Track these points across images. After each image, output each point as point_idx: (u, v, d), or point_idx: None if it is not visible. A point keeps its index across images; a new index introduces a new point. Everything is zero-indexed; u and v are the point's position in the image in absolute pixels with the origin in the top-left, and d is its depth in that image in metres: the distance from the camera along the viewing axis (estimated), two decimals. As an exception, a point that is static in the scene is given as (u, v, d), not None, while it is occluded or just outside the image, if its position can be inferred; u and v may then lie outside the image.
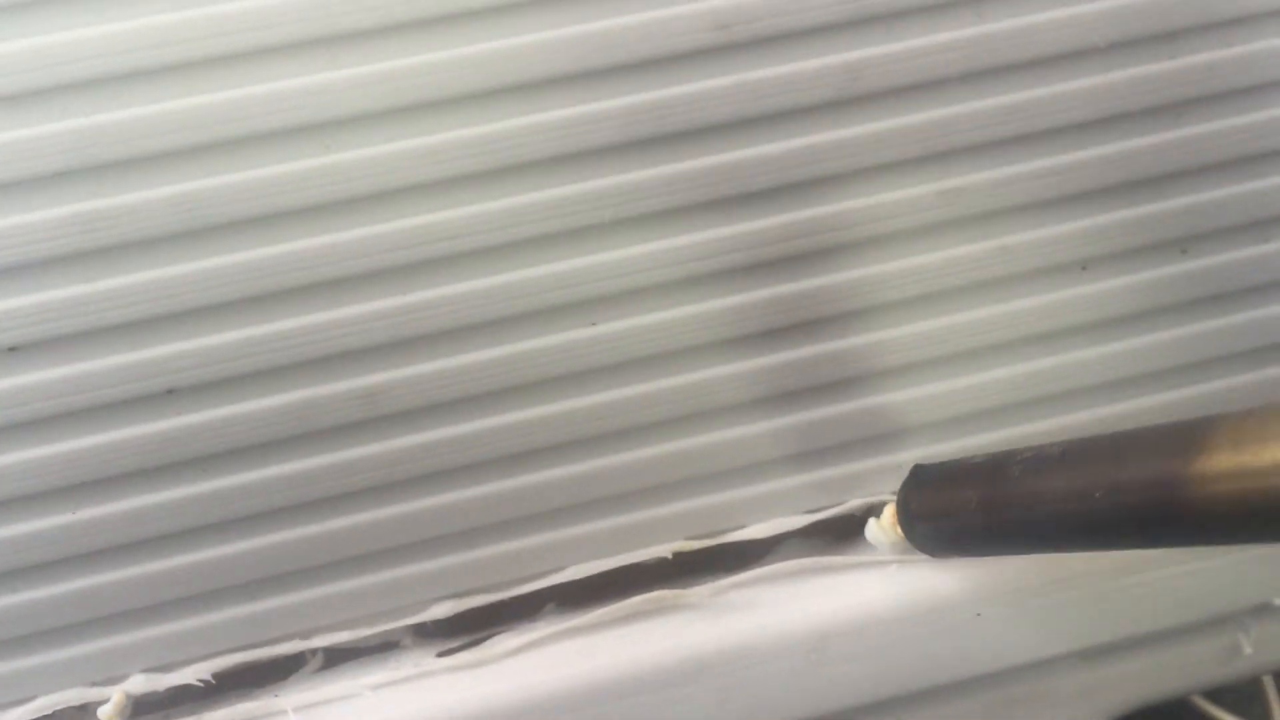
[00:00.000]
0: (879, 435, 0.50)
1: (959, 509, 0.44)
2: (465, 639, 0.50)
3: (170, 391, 0.45)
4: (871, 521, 0.50)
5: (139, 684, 0.47)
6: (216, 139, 0.43)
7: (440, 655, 0.49)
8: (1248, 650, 0.55)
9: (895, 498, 0.49)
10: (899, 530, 0.49)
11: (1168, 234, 0.49)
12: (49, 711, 0.47)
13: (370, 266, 0.45)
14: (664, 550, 0.50)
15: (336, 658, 0.50)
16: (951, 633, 0.50)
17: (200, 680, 0.48)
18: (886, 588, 0.50)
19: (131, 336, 0.44)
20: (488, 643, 0.49)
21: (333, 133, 0.44)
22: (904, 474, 0.50)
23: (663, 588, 0.50)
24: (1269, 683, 0.84)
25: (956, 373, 0.50)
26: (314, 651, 0.50)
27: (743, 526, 0.51)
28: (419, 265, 0.46)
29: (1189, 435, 0.34)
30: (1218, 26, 0.48)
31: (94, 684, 0.47)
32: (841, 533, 0.52)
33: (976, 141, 0.47)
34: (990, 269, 0.48)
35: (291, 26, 0.43)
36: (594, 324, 0.47)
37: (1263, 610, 0.54)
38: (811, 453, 0.50)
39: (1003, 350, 0.50)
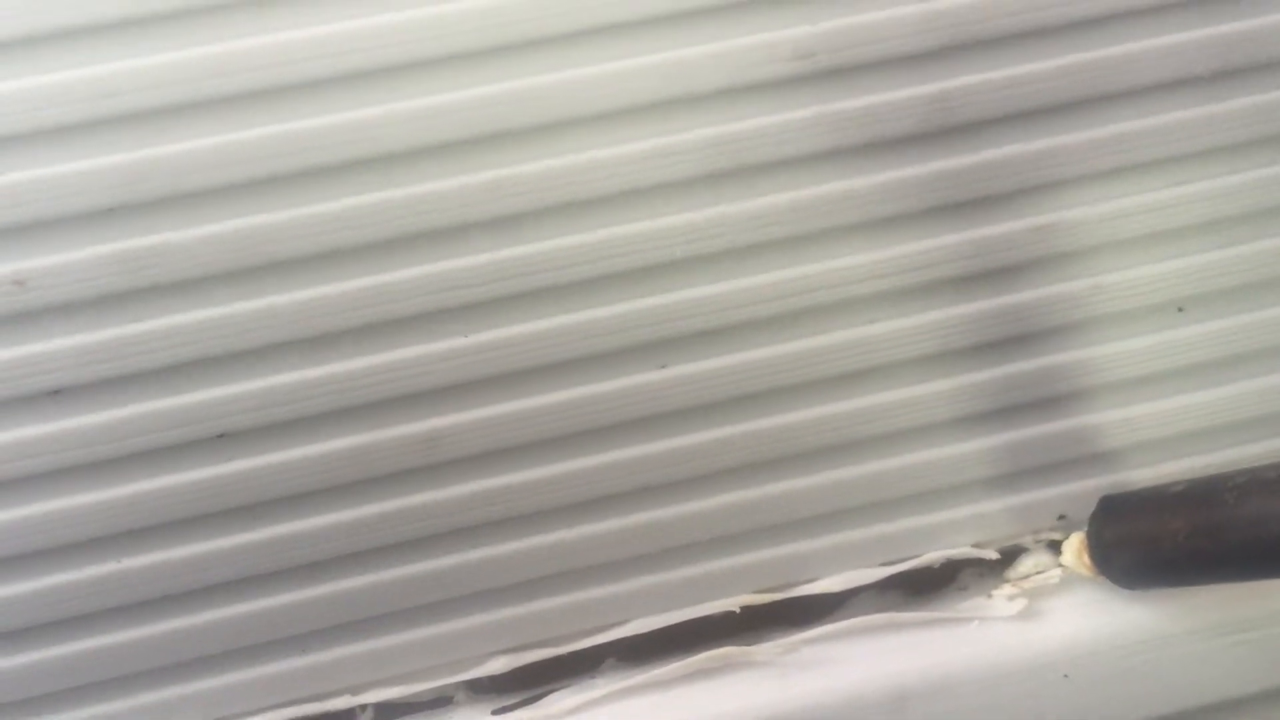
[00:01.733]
0: (955, 486, 0.48)
1: (1165, 538, 0.43)
2: (521, 695, 0.48)
3: (222, 436, 0.43)
4: (1066, 549, 0.48)
5: (189, 738, 0.46)
6: (272, 174, 0.42)
7: (495, 713, 0.48)
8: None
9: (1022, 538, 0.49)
10: (1086, 560, 0.47)
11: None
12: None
13: (431, 305, 0.43)
14: (731, 604, 0.48)
15: (388, 713, 0.48)
16: (1039, 695, 0.47)
17: (252, 736, 0.46)
18: (968, 645, 0.48)
19: (182, 379, 0.43)
20: (545, 700, 0.48)
21: (395, 166, 0.42)
22: (985, 523, 0.48)
23: (729, 643, 0.48)
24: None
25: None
26: (364, 707, 0.48)
27: (814, 579, 0.48)
28: (483, 304, 0.44)
29: None
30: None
31: (144, 739, 0.45)
32: (919, 588, 0.50)
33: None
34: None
35: (339, 59, 0.42)
36: (664, 366, 0.45)
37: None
38: (886, 503, 0.48)
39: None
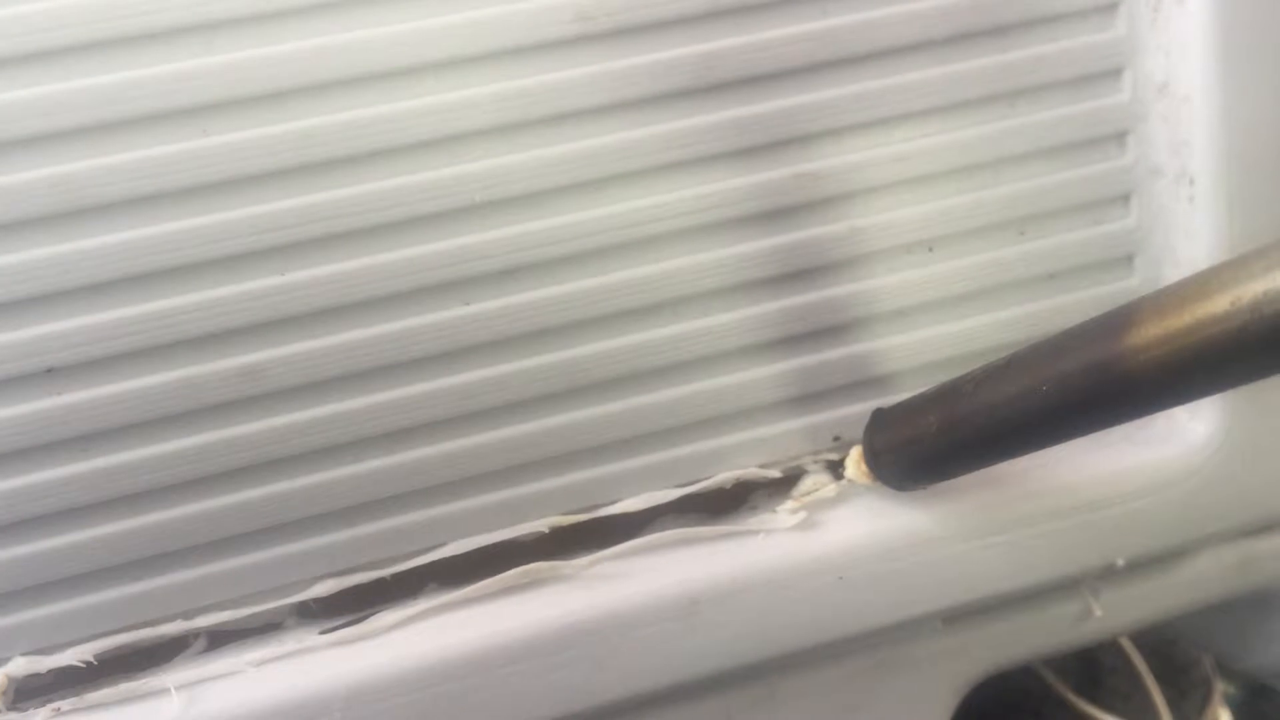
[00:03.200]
0: (741, 411, 0.53)
1: (921, 436, 0.48)
2: (348, 618, 0.51)
3: (50, 371, 0.46)
4: (848, 463, 0.53)
5: (20, 667, 0.48)
6: (90, 123, 0.44)
7: (323, 633, 0.50)
8: (1098, 613, 0.58)
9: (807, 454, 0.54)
10: (864, 469, 0.52)
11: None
12: (-74, 696, 0.47)
13: (248, 246, 0.46)
14: (541, 525, 0.52)
15: (220, 639, 0.51)
16: (816, 596, 0.52)
17: (82, 662, 0.48)
18: (753, 555, 0.52)
19: (9, 316, 0.45)
20: (369, 619, 0.50)
21: (210, 116, 0.45)
22: (769, 446, 0.53)
23: (540, 561, 0.51)
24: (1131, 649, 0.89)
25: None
26: (197, 633, 0.50)
27: (617, 501, 0.53)
28: (296, 245, 0.47)
29: (1118, 317, 0.38)
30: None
31: (-27, 667, 0.47)
32: (714, 508, 0.54)
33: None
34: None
35: (154, 16, 0.45)
36: (467, 304, 0.49)
37: (1109, 573, 0.57)
38: (680, 428, 0.53)
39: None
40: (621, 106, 0.48)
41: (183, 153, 0.45)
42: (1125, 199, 0.54)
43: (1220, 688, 0.99)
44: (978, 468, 0.48)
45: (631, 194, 0.49)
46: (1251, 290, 0.33)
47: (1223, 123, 0.52)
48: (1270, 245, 0.34)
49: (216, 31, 0.45)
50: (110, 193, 0.45)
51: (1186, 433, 0.55)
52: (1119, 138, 0.54)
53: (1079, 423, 0.42)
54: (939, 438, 0.47)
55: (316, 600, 0.51)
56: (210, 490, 0.48)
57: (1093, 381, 0.39)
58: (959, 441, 0.46)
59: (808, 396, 0.53)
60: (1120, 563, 0.56)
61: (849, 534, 0.53)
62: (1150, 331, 0.37)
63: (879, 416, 0.51)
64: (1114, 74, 0.53)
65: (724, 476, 0.54)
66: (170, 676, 0.49)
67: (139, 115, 0.45)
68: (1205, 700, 0.96)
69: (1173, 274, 0.54)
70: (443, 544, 0.51)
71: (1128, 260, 0.55)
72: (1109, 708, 0.90)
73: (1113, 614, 0.59)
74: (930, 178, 0.52)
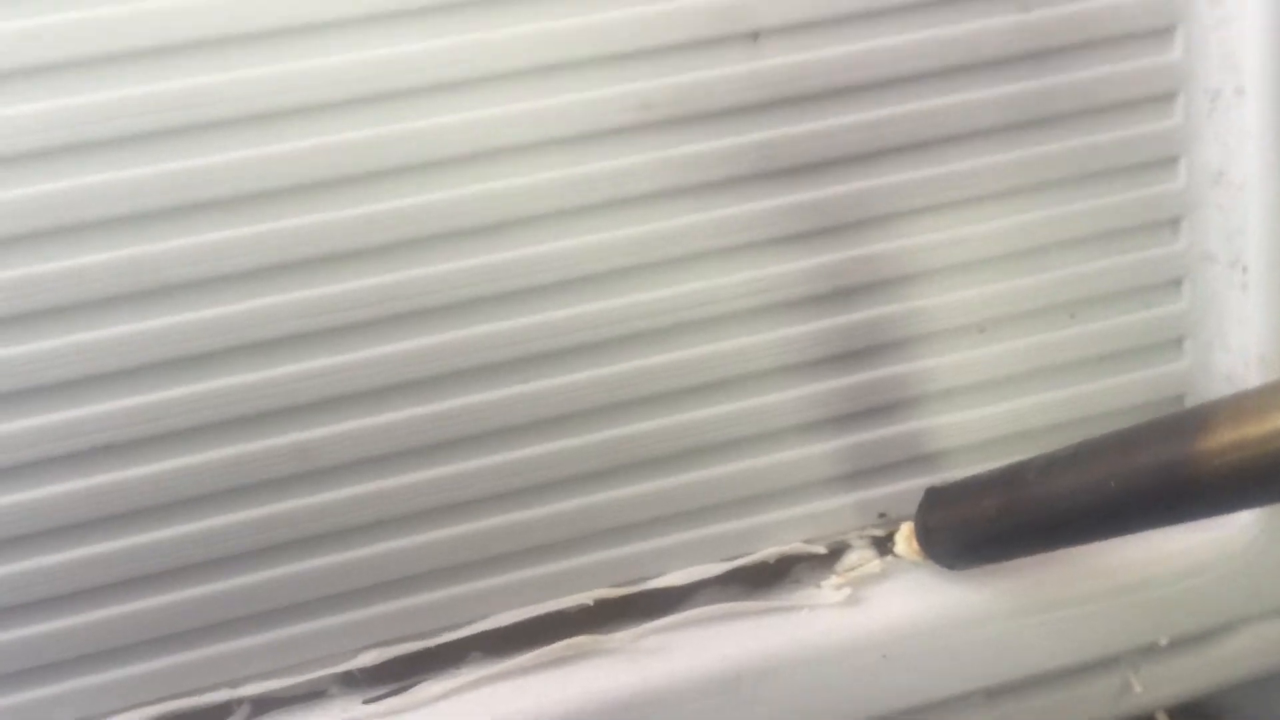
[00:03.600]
0: (788, 488, 0.53)
1: (979, 518, 0.48)
2: (391, 686, 0.51)
3: (106, 448, 0.46)
4: (898, 539, 0.54)
5: (69, 734, 0.48)
6: (159, 206, 0.45)
7: (366, 701, 0.50)
8: (1138, 689, 0.58)
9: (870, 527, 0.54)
10: (915, 547, 0.52)
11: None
12: (-23, 762, 0.48)
13: (302, 328, 0.47)
14: (585, 598, 0.52)
15: (264, 706, 0.51)
16: (860, 673, 0.52)
17: (131, 730, 0.48)
18: (798, 631, 0.52)
19: (67, 395, 0.45)
20: (413, 689, 0.51)
21: (277, 200, 0.45)
22: (815, 522, 0.54)
23: (584, 634, 0.51)
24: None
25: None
26: (242, 700, 0.51)
27: (661, 574, 0.53)
28: (352, 327, 0.47)
29: (1193, 419, 0.38)
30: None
31: (24, 734, 0.48)
32: (757, 580, 0.54)
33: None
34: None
35: (210, 108, 0.45)
36: (525, 382, 0.49)
37: (1150, 651, 0.57)
38: (726, 504, 0.53)
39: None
40: (682, 192, 0.48)
41: (247, 236, 0.45)
42: (1177, 284, 0.54)
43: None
44: (1035, 553, 0.49)
45: (689, 277, 0.49)
46: None
47: (1278, 212, 0.51)
48: None
49: (289, 120, 0.45)
50: (176, 275, 0.45)
51: (1230, 516, 0.55)
52: (1173, 224, 0.54)
53: (1144, 520, 0.42)
54: (998, 521, 0.47)
55: (361, 669, 0.51)
56: (259, 564, 0.49)
57: (1162, 481, 0.39)
58: (1019, 527, 0.46)
59: (855, 474, 0.54)
60: (1163, 641, 0.56)
61: (893, 611, 0.53)
62: (1225, 436, 0.37)
63: (933, 494, 0.51)
64: (1170, 162, 0.53)
65: (769, 551, 0.54)
66: (215, 746, 0.49)
67: (206, 200, 0.45)
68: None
69: (1223, 359, 0.54)
70: (488, 615, 0.51)
71: (1177, 344, 0.55)
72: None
73: (1153, 689, 0.59)
74: (984, 262, 0.52)
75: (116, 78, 0.44)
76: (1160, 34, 0.52)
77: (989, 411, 0.54)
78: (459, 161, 0.47)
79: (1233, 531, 0.55)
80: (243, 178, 0.45)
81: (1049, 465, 0.45)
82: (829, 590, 0.53)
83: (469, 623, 0.52)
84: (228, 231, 0.46)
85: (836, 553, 0.55)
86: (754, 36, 0.48)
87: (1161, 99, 0.52)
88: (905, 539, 0.53)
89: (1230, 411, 0.37)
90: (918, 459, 0.54)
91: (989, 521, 0.47)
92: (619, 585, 0.53)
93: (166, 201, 0.45)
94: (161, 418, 0.46)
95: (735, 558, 0.54)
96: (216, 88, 0.44)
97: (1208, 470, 0.38)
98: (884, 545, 0.55)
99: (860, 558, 0.55)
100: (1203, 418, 0.38)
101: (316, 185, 0.46)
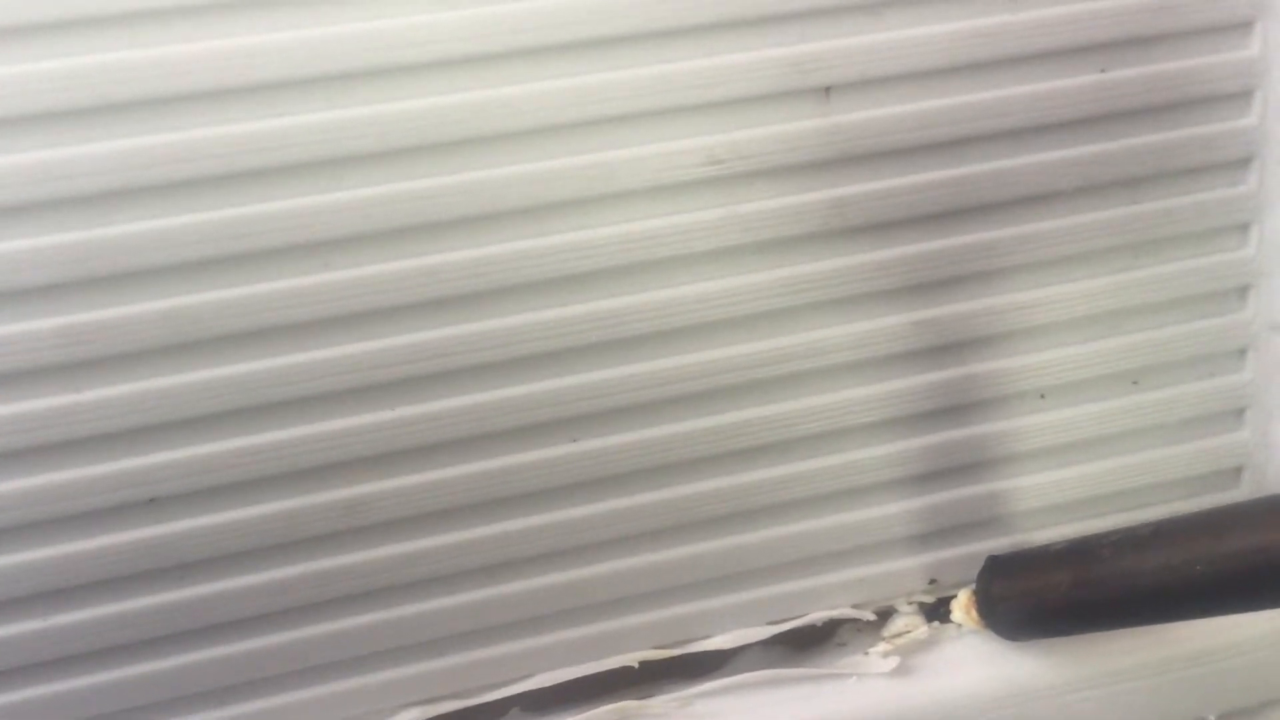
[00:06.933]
0: (838, 552, 0.52)
1: (1049, 590, 0.47)
2: (433, 746, 0.50)
3: (152, 500, 0.45)
4: (955, 606, 0.53)
5: (98, 793, 0.47)
6: (207, 256, 0.43)
7: (407, 760, 0.49)
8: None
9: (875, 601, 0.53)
10: (974, 615, 0.51)
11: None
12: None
13: (355, 383, 0.45)
14: (630, 659, 0.51)
15: (303, 763, 0.50)
16: (911, 746, 0.51)
17: (166, 784, 0.47)
18: (847, 700, 0.51)
19: (116, 446, 0.44)
20: (454, 748, 0.50)
21: (333, 251, 0.44)
22: (863, 587, 0.53)
23: (627, 696, 0.51)
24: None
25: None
26: (281, 758, 0.49)
27: (707, 637, 0.52)
28: (405, 382, 0.46)
29: None
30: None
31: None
32: (802, 644, 0.54)
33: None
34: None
35: (292, 148, 0.44)
36: (574, 440, 0.48)
37: (1198, 722, 0.56)
38: (775, 567, 0.52)
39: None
40: (745, 250, 0.47)
41: (305, 287, 0.44)
42: (1242, 353, 0.53)
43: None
44: (1107, 629, 0.48)
45: (738, 339, 0.48)
46: None
47: (1344, 284, 0.51)
48: None
49: (344, 168, 0.44)
50: (219, 327, 0.44)
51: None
52: (1240, 292, 0.53)
53: (1231, 605, 0.42)
54: (1069, 595, 0.47)
55: (403, 727, 0.50)
56: (301, 620, 0.48)
57: (1254, 567, 0.39)
58: (1093, 603, 0.46)
59: (905, 539, 0.53)
60: (1211, 717, 0.55)
61: (943, 683, 0.52)
62: None
63: (997, 563, 0.50)
64: (1241, 229, 0.52)
65: (816, 615, 0.53)
66: (254, 807, 0.48)
67: (254, 250, 0.44)
68: None
69: (1283, 432, 0.53)
70: (530, 675, 0.50)
71: (1239, 414, 0.54)
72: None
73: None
74: (1050, 326, 0.51)
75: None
76: (1237, 98, 0.50)
77: (1043, 479, 0.53)
78: (523, 214, 0.45)
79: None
80: (291, 229, 0.44)
81: (1126, 542, 0.45)
82: (877, 657, 0.52)
83: (511, 682, 0.50)
84: (294, 281, 0.44)
85: (883, 617, 0.54)
86: (826, 91, 0.47)
87: (1237, 164, 0.51)
88: (963, 607, 0.52)
89: None
90: (969, 525, 0.53)
91: (1061, 595, 0.47)
92: (663, 647, 0.52)
93: (210, 251, 0.43)
94: (210, 470, 0.45)
95: (781, 621, 0.52)
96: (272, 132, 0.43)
97: None
98: (932, 612, 0.54)
99: (907, 624, 0.54)
100: None
101: (379, 234, 0.44)
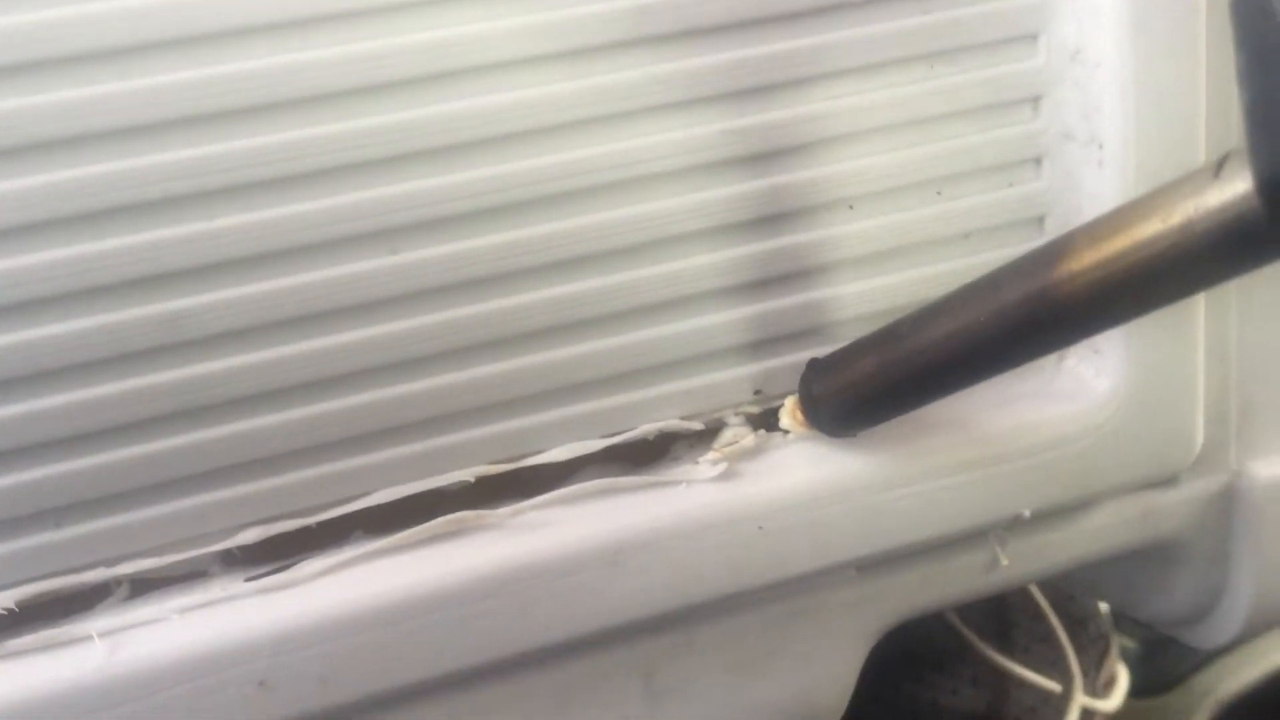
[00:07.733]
0: (664, 364, 0.54)
1: (859, 379, 0.50)
2: (273, 565, 0.51)
3: (-35, 312, 0.45)
4: (783, 413, 0.55)
5: (-62, 614, 0.47)
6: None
7: (248, 579, 0.50)
8: (1004, 563, 0.60)
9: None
10: (800, 418, 0.54)
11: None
12: None
13: (173, 191, 0.46)
14: (467, 475, 0.53)
15: (143, 587, 0.51)
16: (736, 545, 0.53)
17: (3, 609, 0.48)
18: (675, 505, 0.53)
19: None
20: (294, 567, 0.51)
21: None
22: (681, 399, 0.55)
23: (466, 510, 0.52)
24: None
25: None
26: (120, 580, 0.50)
27: (542, 451, 0.53)
28: (224, 191, 0.47)
29: (1054, 249, 0.41)
30: None
31: (-110, 614, 0.47)
32: (637, 457, 0.56)
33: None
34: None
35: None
36: (395, 251, 0.49)
37: (1015, 524, 0.59)
38: (604, 380, 0.53)
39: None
40: (551, 58, 0.49)
41: (137, 89, 0.45)
42: (1038, 162, 0.56)
43: (1118, 641, 1.03)
44: (915, 406, 0.50)
45: (548, 148, 0.50)
46: (1182, 209, 0.35)
47: (1131, 89, 0.53)
48: (1199, 170, 0.35)
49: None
50: (37, 132, 0.44)
51: (1091, 389, 0.58)
52: (1033, 102, 0.55)
53: (1016, 352, 0.45)
54: (875, 379, 0.49)
55: (241, 548, 0.51)
56: (132, 438, 0.48)
57: (1029, 312, 0.42)
58: (897, 381, 0.48)
59: (728, 351, 0.55)
60: (1026, 514, 0.58)
61: (768, 485, 0.54)
62: (1086, 258, 0.39)
63: (815, 364, 0.53)
64: (1029, 39, 0.54)
65: (647, 428, 0.55)
66: (93, 623, 0.49)
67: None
68: (1103, 654, 0.99)
69: (1081, 236, 0.56)
70: (369, 493, 0.52)
71: (1039, 221, 0.57)
72: (1016, 659, 0.94)
73: (1019, 563, 0.61)
74: (849, 137, 0.53)
75: None
76: (1018, -87, 0.53)
77: (858, 288, 0.55)
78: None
79: (1094, 405, 0.58)
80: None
81: (921, 316, 0.47)
82: (705, 465, 0.55)
83: (350, 500, 0.52)
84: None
85: (713, 429, 0.56)
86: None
87: (1021, -25, 0.54)
88: (789, 412, 0.54)
89: (1088, 235, 0.40)
90: (790, 336, 0.55)
91: (868, 380, 0.49)
92: (500, 461, 0.53)
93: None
94: (22, 283, 0.45)
95: (615, 434, 0.54)
96: None
97: (1073, 290, 0.40)
98: (759, 421, 0.56)
99: (735, 434, 0.56)
100: (1063, 244, 0.41)
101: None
